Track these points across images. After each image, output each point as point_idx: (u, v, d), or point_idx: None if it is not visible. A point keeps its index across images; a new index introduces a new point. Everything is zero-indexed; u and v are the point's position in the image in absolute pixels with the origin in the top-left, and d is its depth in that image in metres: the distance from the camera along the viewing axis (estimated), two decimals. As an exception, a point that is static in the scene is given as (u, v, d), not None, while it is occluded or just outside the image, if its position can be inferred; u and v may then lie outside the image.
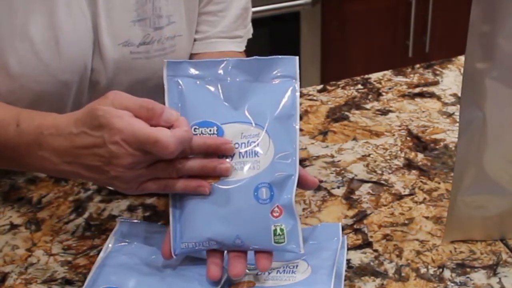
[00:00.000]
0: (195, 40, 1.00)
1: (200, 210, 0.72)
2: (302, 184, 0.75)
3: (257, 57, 0.74)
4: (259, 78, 0.74)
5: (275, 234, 0.71)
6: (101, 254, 0.80)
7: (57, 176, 0.95)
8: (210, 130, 0.72)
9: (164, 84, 0.74)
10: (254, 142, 0.72)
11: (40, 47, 0.87)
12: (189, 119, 0.71)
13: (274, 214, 0.71)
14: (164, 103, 0.73)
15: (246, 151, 0.72)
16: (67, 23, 0.87)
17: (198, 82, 0.74)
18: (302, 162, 1.00)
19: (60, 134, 0.72)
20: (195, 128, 0.72)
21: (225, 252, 0.76)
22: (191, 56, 1.01)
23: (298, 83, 0.74)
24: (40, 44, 0.87)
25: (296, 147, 0.72)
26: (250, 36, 1.06)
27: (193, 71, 0.74)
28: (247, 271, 0.77)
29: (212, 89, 0.73)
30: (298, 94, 0.73)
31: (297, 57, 0.74)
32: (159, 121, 0.68)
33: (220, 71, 0.74)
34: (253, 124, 0.73)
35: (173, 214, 0.73)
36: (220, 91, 0.74)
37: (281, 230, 0.71)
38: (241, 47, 1.04)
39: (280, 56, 0.74)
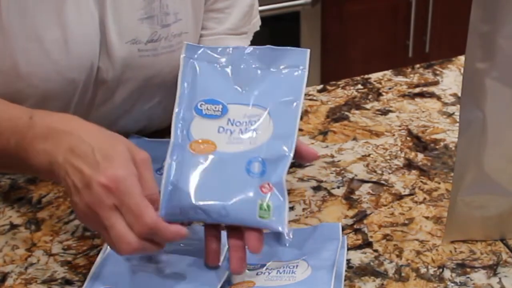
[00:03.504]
0: (201, 36, 1.01)
1: (192, 177, 0.72)
2: (302, 156, 0.77)
3: (271, 46, 0.78)
4: (270, 67, 0.78)
5: (260, 209, 0.71)
6: (101, 254, 0.80)
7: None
8: (215, 108, 0.75)
9: (180, 64, 0.77)
10: (255, 121, 0.75)
11: (49, 47, 0.87)
12: (197, 95, 0.75)
13: (263, 190, 0.72)
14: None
15: (246, 129, 0.74)
16: (75, 22, 0.88)
17: (212, 65, 0.77)
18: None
19: (72, 133, 0.72)
20: (201, 104, 0.75)
21: (225, 251, 0.76)
22: None
23: (307, 72, 0.77)
24: (49, 43, 0.87)
25: (296, 130, 0.74)
26: (258, 29, 1.09)
27: (209, 55, 0.78)
28: (247, 271, 0.77)
29: (224, 72, 0.77)
30: (305, 82, 0.77)
31: (308, 50, 0.78)
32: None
33: (235, 57, 0.78)
34: (258, 107, 0.75)
35: (167, 175, 0.73)
36: (231, 74, 0.77)
37: (267, 206, 0.71)
38: (247, 42, 1.06)
39: (293, 48, 0.78)
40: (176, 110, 0.75)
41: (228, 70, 0.77)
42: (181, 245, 0.80)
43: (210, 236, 0.75)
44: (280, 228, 0.71)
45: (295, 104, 0.76)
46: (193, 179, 0.72)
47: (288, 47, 0.78)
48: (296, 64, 0.78)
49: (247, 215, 0.71)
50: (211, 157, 0.73)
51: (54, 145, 0.72)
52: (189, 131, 0.75)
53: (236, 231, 0.73)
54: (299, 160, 0.77)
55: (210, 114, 0.75)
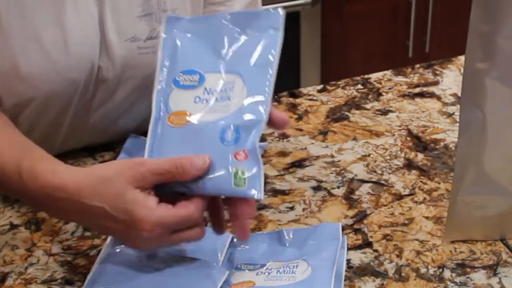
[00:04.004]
0: None
1: (169, 149, 0.72)
2: (274, 122, 0.76)
3: (245, 11, 0.79)
4: (246, 30, 0.77)
5: (235, 177, 0.70)
6: (101, 254, 0.80)
7: None
8: (192, 78, 0.75)
9: (161, 35, 0.77)
10: (230, 88, 0.74)
11: (49, 48, 0.87)
12: (178, 67, 0.76)
13: (238, 157, 0.71)
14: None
15: (221, 97, 0.74)
16: (74, 22, 0.88)
17: (191, 35, 0.77)
18: (302, 162, 1.00)
19: (70, 199, 0.71)
20: (179, 75, 0.75)
21: (225, 251, 0.76)
22: None
23: (281, 33, 0.76)
24: (48, 44, 0.87)
25: (269, 95, 0.73)
26: None
27: (189, 25, 0.78)
28: (246, 271, 0.77)
29: (203, 40, 0.77)
30: (279, 44, 0.76)
31: (283, 11, 0.77)
32: (191, 173, 0.69)
33: (212, 25, 0.78)
34: (233, 73, 0.75)
35: (149, 150, 0.73)
36: (209, 42, 0.77)
37: (242, 173, 0.70)
38: None
39: (267, 9, 0.78)
40: (158, 86, 0.75)
41: (206, 37, 0.77)
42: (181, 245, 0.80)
43: (210, 209, 0.75)
44: (255, 196, 0.70)
45: (269, 65, 0.75)
46: (171, 152, 0.72)
47: (262, 10, 0.78)
48: (270, 25, 0.76)
49: (223, 184, 0.70)
50: (187, 128, 0.73)
51: (62, 211, 0.74)
52: (168, 104, 0.74)
53: (231, 201, 0.73)
54: (272, 127, 0.76)
55: (187, 85, 0.75)
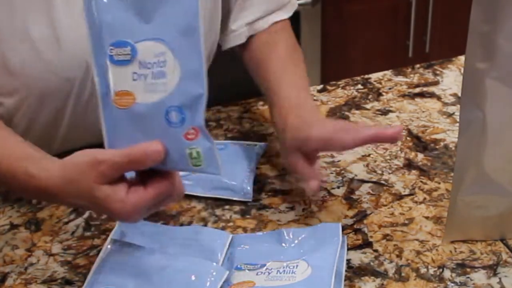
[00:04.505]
0: (249, 24, 1.04)
1: (121, 135, 0.72)
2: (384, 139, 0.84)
3: None
4: None
5: (191, 157, 0.69)
6: (101, 254, 0.80)
7: None
8: (124, 51, 0.71)
9: (83, 4, 0.72)
10: (163, 62, 0.70)
11: (41, 46, 0.87)
12: (106, 40, 0.71)
13: (189, 137, 0.69)
14: None
15: (157, 72, 0.70)
16: (66, 20, 0.88)
17: None
18: (302, 162, 1.00)
19: (55, 198, 0.75)
20: (111, 49, 0.71)
21: (225, 251, 0.76)
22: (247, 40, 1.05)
23: None
24: (40, 42, 0.87)
25: (202, 63, 0.70)
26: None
27: None
28: (246, 271, 0.77)
29: (123, 3, 0.71)
30: (199, 4, 0.70)
31: None
32: (148, 164, 0.70)
33: None
34: (161, 41, 0.70)
35: (106, 122, 0.72)
36: (130, 5, 0.71)
37: (197, 153, 0.69)
38: (291, 11, 1.11)
39: None
40: (92, 60, 0.72)
41: (126, 0, 0.71)
42: (181, 245, 0.80)
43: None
44: (215, 172, 0.70)
45: (195, 32, 0.69)
46: (125, 138, 0.71)
47: None
48: None
49: (182, 166, 0.70)
50: (133, 110, 0.71)
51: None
52: (109, 83, 0.72)
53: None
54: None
55: (121, 60, 0.71)
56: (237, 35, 1.04)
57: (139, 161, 0.69)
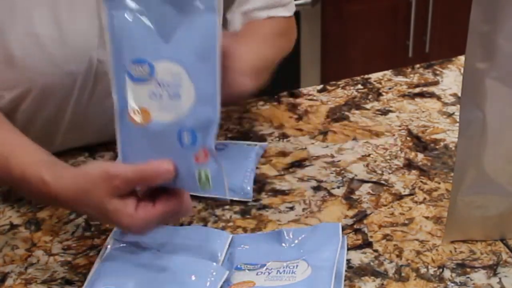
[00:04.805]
0: (246, 13, 1.03)
1: (134, 151, 0.73)
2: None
3: None
4: (183, 9, 0.72)
5: (200, 180, 0.71)
6: (101, 254, 0.80)
7: None
8: (142, 68, 0.72)
9: (104, 19, 0.73)
10: (178, 84, 0.71)
11: (45, 40, 0.88)
12: (126, 56, 0.72)
13: (199, 159, 0.71)
14: None
15: (173, 93, 0.72)
16: (70, 15, 0.88)
17: (133, 14, 0.72)
18: (302, 162, 1.00)
19: (64, 204, 0.79)
20: (130, 66, 0.72)
21: (224, 252, 0.76)
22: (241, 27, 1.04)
23: (218, 16, 0.72)
24: (44, 37, 0.88)
25: (217, 89, 0.71)
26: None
27: (128, 3, 0.72)
28: (246, 271, 0.77)
29: (145, 21, 0.72)
30: (218, 29, 0.71)
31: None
32: (158, 182, 0.72)
33: (150, 2, 0.72)
34: (179, 62, 0.71)
35: (121, 137, 0.74)
36: (152, 23, 0.72)
37: (206, 175, 0.71)
38: (292, 10, 1.10)
39: None
40: (113, 76, 0.73)
41: (147, 17, 0.72)
42: (181, 245, 0.80)
43: None
44: (221, 194, 0.72)
45: (212, 57, 0.71)
46: (139, 155, 0.72)
47: None
48: (204, 4, 0.71)
49: (190, 187, 0.72)
50: (148, 128, 0.72)
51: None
52: (127, 99, 0.72)
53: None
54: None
55: (140, 77, 0.72)
56: (232, 23, 1.04)
57: (150, 178, 0.71)
